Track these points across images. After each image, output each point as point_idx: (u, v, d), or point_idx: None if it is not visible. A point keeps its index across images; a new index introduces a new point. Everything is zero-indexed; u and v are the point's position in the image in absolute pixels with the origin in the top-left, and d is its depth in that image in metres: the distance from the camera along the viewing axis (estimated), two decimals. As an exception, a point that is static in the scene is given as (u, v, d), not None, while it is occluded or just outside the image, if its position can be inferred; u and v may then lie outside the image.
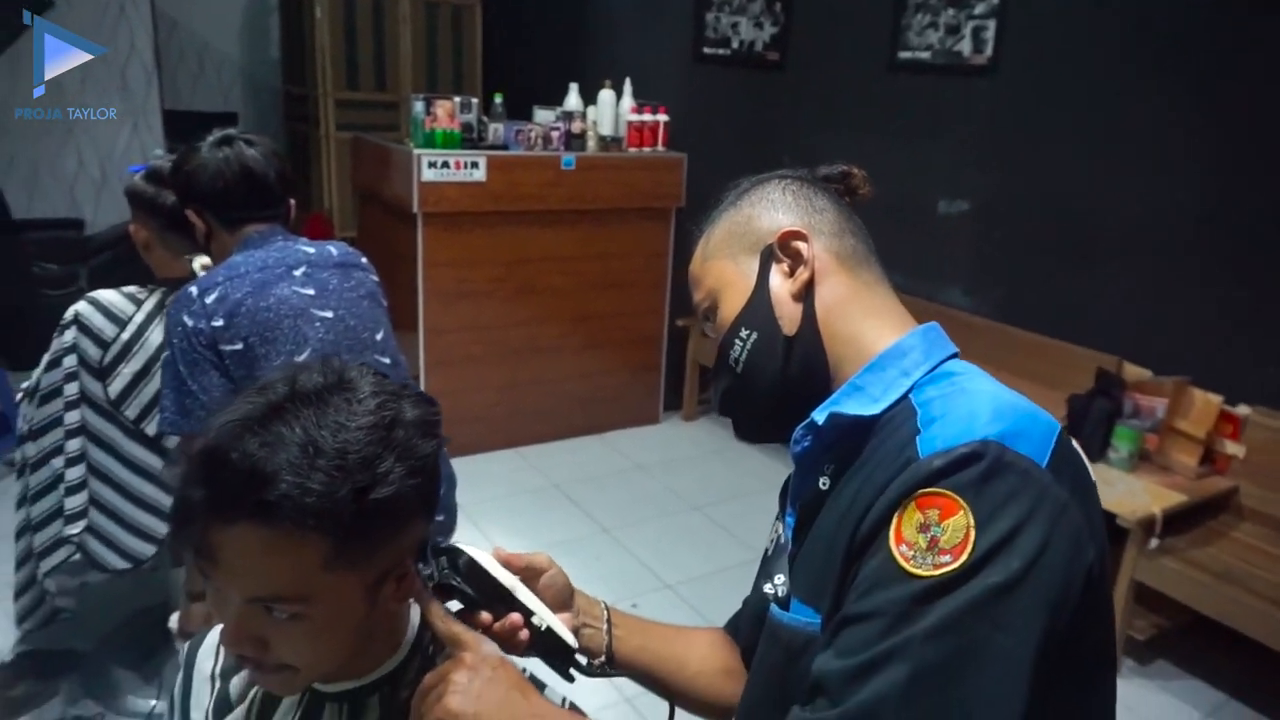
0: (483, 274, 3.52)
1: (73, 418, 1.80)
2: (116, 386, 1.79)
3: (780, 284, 0.82)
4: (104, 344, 1.78)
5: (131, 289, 1.85)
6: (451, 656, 0.72)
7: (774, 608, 0.78)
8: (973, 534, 0.61)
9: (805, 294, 0.81)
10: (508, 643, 0.79)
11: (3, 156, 4.54)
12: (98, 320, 1.79)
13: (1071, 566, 0.64)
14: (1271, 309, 2.56)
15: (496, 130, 3.47)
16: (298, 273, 1.64)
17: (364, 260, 1.79)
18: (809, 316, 0.81)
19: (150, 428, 1.79)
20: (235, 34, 5.78)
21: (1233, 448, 2.58)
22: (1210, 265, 2.70)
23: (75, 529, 1.82)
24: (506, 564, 0.78)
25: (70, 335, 1.79)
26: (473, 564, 0.76)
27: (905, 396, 0.74)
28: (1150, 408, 2.67)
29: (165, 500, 1.83)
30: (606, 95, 3.71)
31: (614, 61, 3.99)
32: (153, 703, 2.06)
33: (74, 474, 1.82)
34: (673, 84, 3.95)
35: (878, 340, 0.79)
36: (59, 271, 4.20)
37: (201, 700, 0.85)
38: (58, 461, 1.84)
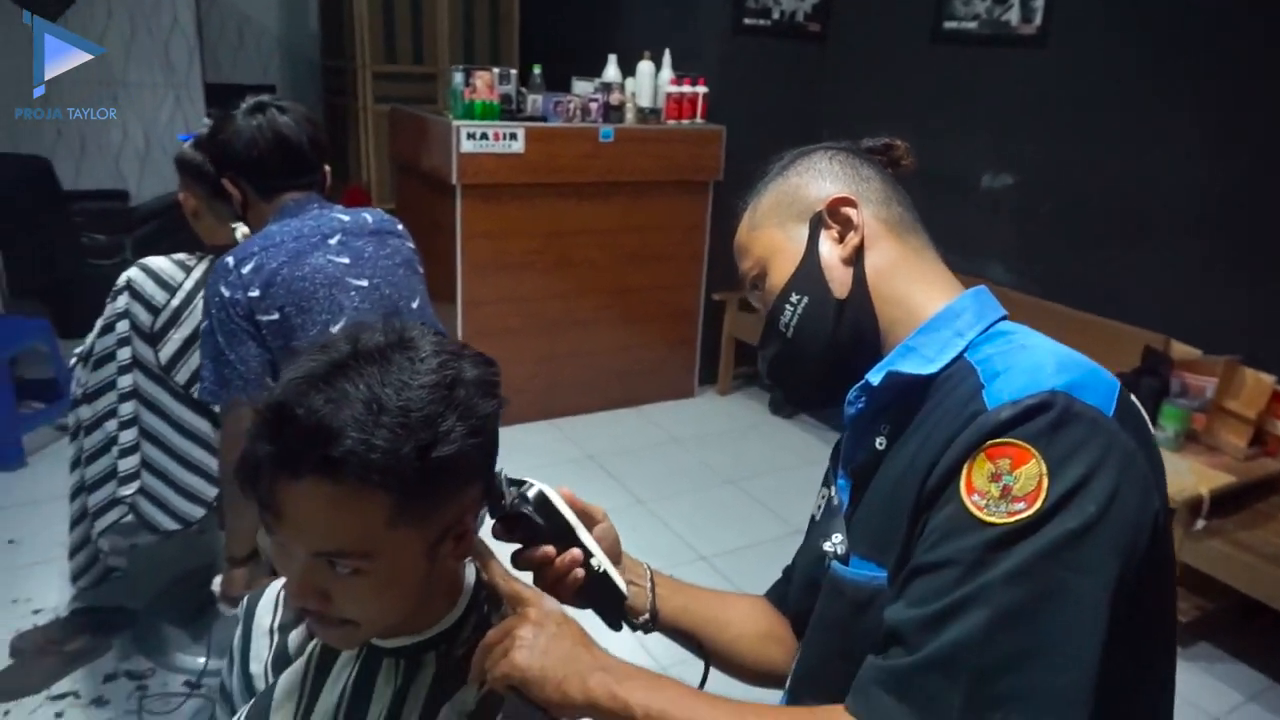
0: (520, 246, 3.53)
1: (125, 382, 1.84)
2: (167, 352, 1.82)
3: (830, 250, 0.84)
4: (155, 310, 1.82)
5: (181, 256, 1.89)
6: (513, 613, 0.73)
7: (835, 564, 0.79)
8: (1046, 481, 0.63)
9: (855, 259, 0.83)
10: (564, 581, 0.80)
11: (51, 129, 4.62)
12: (149, 287, 1.82)
13: (1141, 513, 0.65)
14: (1329, 287, 2.49)
15: (535, 102, 3.46)
16: (333, 241, 1.63)
17: (400, 227, 1.79)
18: (859, 280, 0.82)
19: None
20: (274, 7, 5.81)
21: (1284, 429, 2.53)
22: (1263, 243, 2.63)
23: (128, 490, 1.87)
24: (570, 505, 0.79)
25: (123, 301, 1.83)
26: (543, 497, 0.76)
27: (960, 356, 0.76)
28: (1199, 387, 2.62)
29: (213, 464, 1.87)
30: (645, 67, 3.68)
31: (653, 32, 3.95)
32: (201, 660, 2.11)
33: (127, 437, 1.86)
34: (712, 55, 3.91)
35: (928, 304, 0.81)
36: (105, 242, 4.28)
37: (260, 653, 0.87)
38: (111, 424, 1.88)
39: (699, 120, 3.76)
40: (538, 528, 0.76)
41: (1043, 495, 0.62)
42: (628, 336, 3.88)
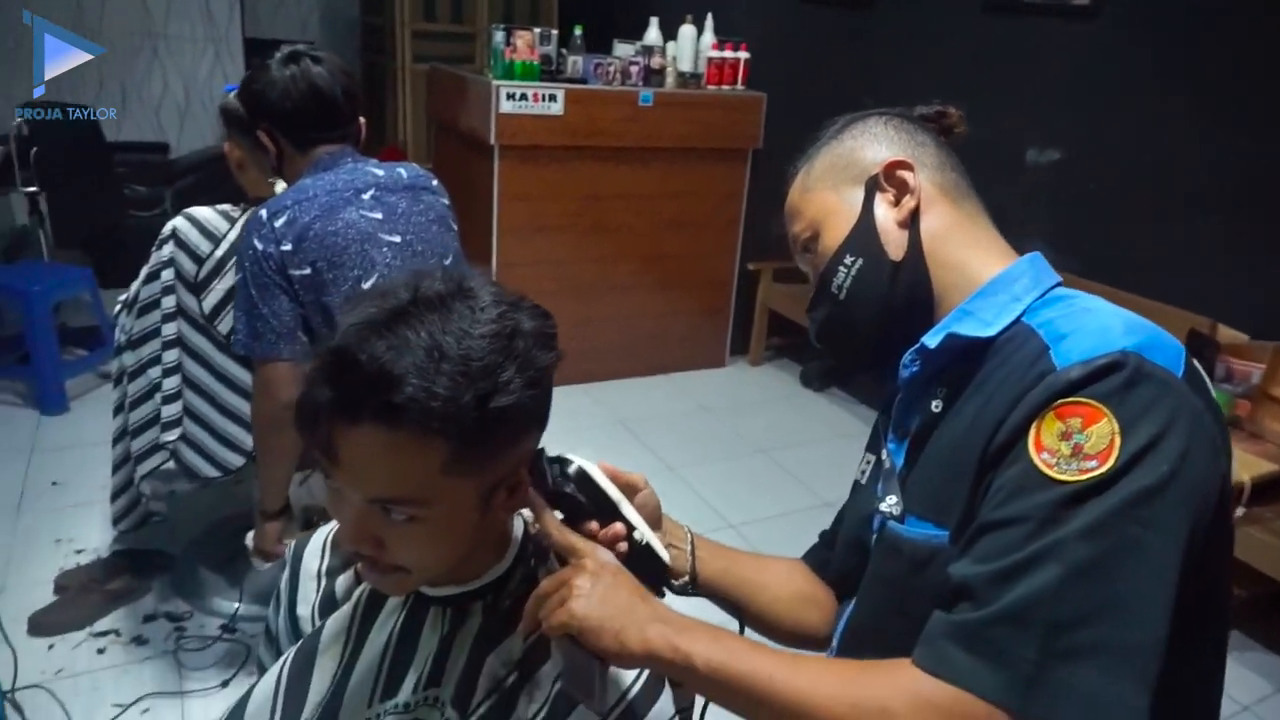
0: (557, 209, 3.51)
1: (169, 329, 1.86)
2: (210, 301, 1.84)
3: (885, 213, 0.84)
4: (199, 260, 1.83)
5: (226, 207, 1.90)
6: (566, 565, 0.74)
7: (892, 524, 0.80)
8: (1118, 440, 0.63)
9: (910, 223, 0.84)
10: None
11: (94, 79, 4.66)
12: (194, 236, 1.84)
13: (1210, 475, 0.66)
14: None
15: (575, 63, 3.42)
16: (366, 196, 1.62)
17: (435, 182, 1.77)
18: (914, 244, 0.83)
19: (242, 342, 1.84)
20: (315, -38, 5.79)
21: (1332, 418, 2.47)
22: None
23: (171, 436, 1.90)
24: (611, 478, 0.79)
25: (168, 250, 1.84)
26: (583, 473, 0.77)
27: (1018, 320, 0.77)
28: (1245, 372, 2.56)
29: (253, 413, 1.89)
30: (687, 30, 3.62)
31: (696, -5, 3.88)
32: (235, 605, 2.16)
33: (170, 383, 1.89)
34: (756, 20, 3.84)
35: (984, 269, 0.82)
36: (146, 194, 4.32)
37: (308, 596, 0.88)
38: (154, 371, 1.91)
39: (740, 86, 3.71)
40: (580, 505, 0.77)
41: (1115, 453, 0.63)
42: (661, 303, 3.87)
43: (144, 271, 1.90)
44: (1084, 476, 0.63)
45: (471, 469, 0.66)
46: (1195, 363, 0.72)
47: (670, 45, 3.61)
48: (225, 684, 2.00)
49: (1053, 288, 0.81)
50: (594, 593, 0.69)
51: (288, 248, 1.54)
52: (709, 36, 3.66)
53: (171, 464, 1.97)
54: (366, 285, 1.59)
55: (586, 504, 0.76)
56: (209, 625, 2.15)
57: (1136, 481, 0.63)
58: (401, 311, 0.65)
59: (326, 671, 0.81)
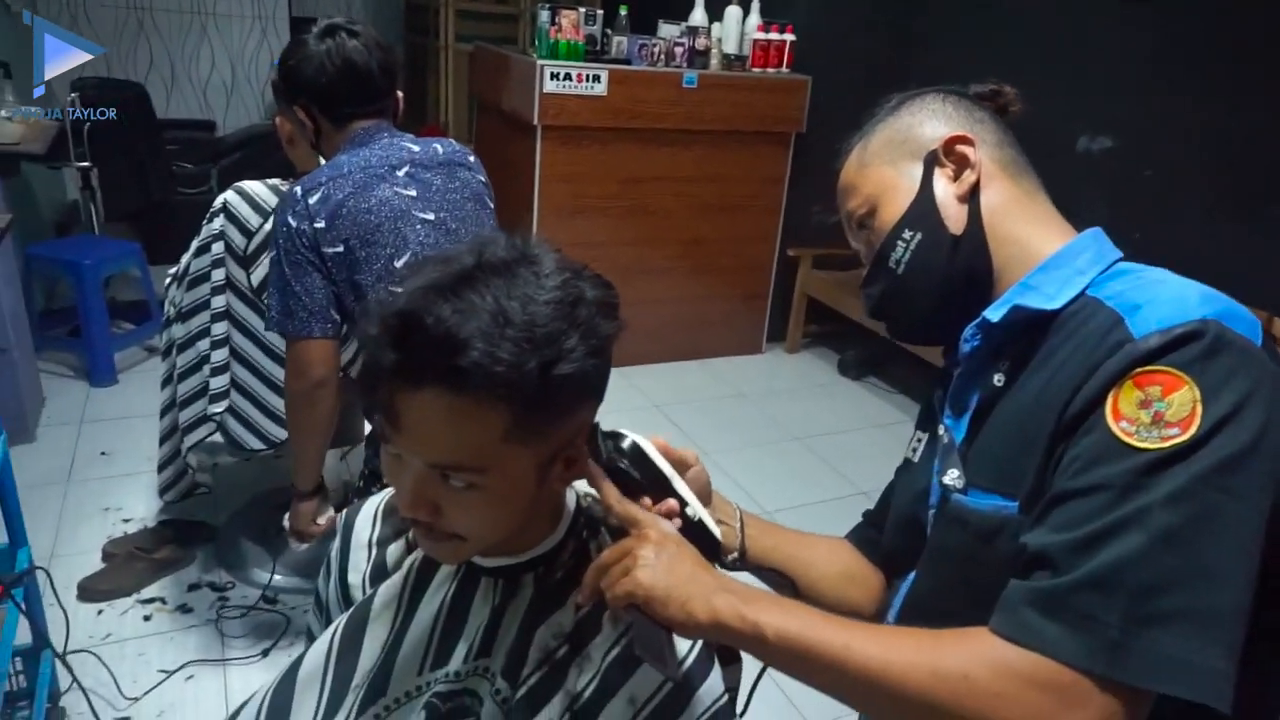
0: (597, 190, 3.50)
1: (219, 302, 1.89)
2: (259, 274, 1.86)
3: (945, 187, 0.84)
4: (249, 233, 1.85)
5: (275, 181, 1.91)
6: (619, 539, 0.73)
7: (957, 496, 0.80)
8: (1200, 407, 0.63)
9: (970, 197, 0.83)
10: None
11: (144, 56, 4.72)
12: (244, 209, 1.85)
13: None
14: None
15: (620, 43, 3.40)
16: (400, 172, 1.60)
17: (472, 159, 1.75)
18: (975, 218, 0.83)
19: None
20: (361, -60, 5.81)
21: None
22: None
23: (218, 407, 1.93)
24: (664, 454, 0.79)
25: (218, 223, 1.86)
26: (637, 449, 0.76)
27: (1082, 294, 0.77)
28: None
29: (300, 387, 1.91)
30: (733, 11, 3.58)
31: (741, -24, 3.83)
32: (272, 576, 2.18)
33: (219, 356, 1.91)
34: (801, 2, 3.79)
35: (1045, 244, 0.82)
36: (193, 171, 4.38)
37: (359, 564, 0.88)
38: (203, 343, 1.93)
39: (785, 69, 3.66)
40: (634, 480, 0.76)
41: (1197, 421, 0.63)
42: (698, 288, 3.85)
43: (194, 244, 1.93)
44: (1166, 444, 0.63)
45: (531, 437, 0.66)
46: (1270, 334, 0.71)
47: (715, 26, 3.58)
48: (265, 653, 2.03)
49: (1115, 262, 0.80)
50: (659, 563, 0.68)
51: (321, 225, 1.53)
52: (755, 18, 3.62)
53: (218, 436, 2.00)
54: (399, 264, 1.58)
55: (640, 479, 0.76)
56: (250, 596, 2.19)
57: (1219, 449, 0.62)
58: (467, 275, 0.64)
59: (377, 639, 0.81)
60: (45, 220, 4.00)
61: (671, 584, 0.67)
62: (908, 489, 0.93)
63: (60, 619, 1.82)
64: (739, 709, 0.84)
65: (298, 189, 1.55)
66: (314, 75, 1.59)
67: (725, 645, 0.85)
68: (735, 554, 0.95)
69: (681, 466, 0.84)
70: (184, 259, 1.95)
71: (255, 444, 1.95)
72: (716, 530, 0.80)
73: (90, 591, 2.13)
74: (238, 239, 1.85)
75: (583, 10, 3.32)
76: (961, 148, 0.84)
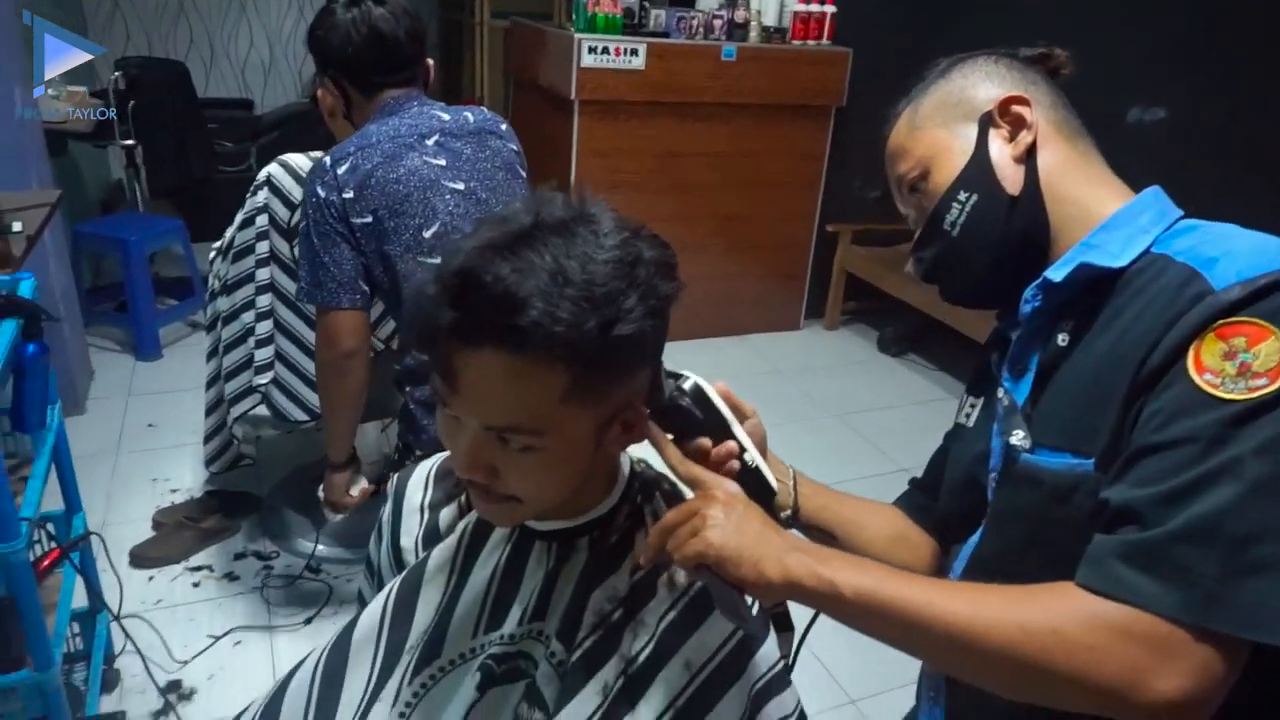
0: (635, 165, 3.48)
1: (264, 274, 1.90)
2: (302, 247, 1.87)
3: (1000, 148, 0.84)
4: (292, 206, 1.86)
5: (318, 154, 1.91)
6: (674, 504, 0.73)
7: (1026, 457, 0.79)
8: None
9: (1026, 158, 0.83)
10: (718, 474, 0.79)
11: (184, 36, 4.77)
12: (287, 182, 1.86)
13: None
14: None
15: (658, 17, 3.37)
16: (430, 142, 1.58)
17: (503, 127, 1.72)
18: (1031, 179, 0.82)
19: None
20: (396, -83, 5.79)
21: None
22: None
23: (263, 379, 1.95)
24: (724, 399, 0.78)
25: (263, 196, 1.87)
26: (699, 389, 0.76)
27: (1147, 251, 0.76)
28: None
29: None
30: (772, -18, 3.53)
31: (781, -53, 3.76)
32: (320, 547, 2.21)
33: (263, 328, 1.93)
34: (842, -28, 3.72)
35: (1103, 205, 0.81)
36: (232, 149, 4.42)
37: (411, 529, 0.89)
38: (248, 316, 1.95)
39: (825, 42, 3.60)
40: (695, 420, 0.75)
41: None
42: (736, 264, 3.82)
43: (239, 217, 1.94)
44: (1253, 395, 0.62)
45: (589, 398, 0.65)
46: None
47: (754, -2, 3.53)
48: (309, 621, 2.06)
49: (1178, 220, 0.79)
50: (728, 523, 0.68)
51: (349, 195, 1.51)
52: (794, -11, 3.56)
53: (262, 408, 2.02)
54: (428, 234, 1.56)
55: (701, 420, 0.75)
56: (294, 565, 2.22)
57: None
58: (525, 234, 0.63)
59: (431, 602, 0.81)
60: (91, 199, 4.06)
61: (742, 544, 0.67)
62: (964, 453, 0.92)
63: (114, 584, 1.86)
64: None
65: (327, 159, 1.55)
66: (340, 45, 1.58)
67: (779, 613, 0.85)
68: (789, 510, 0.95)
69: (740, 415, 0.83)
70: (229, 232, 1.97)
71: (299, 414, 1.97)
72: (772, 478, 0.79)
73: (141, 558, 2.18)
74: (281, 211, 1.86)
75: (621, -17, 3.29)
76: (1017, 108, 0.83)
